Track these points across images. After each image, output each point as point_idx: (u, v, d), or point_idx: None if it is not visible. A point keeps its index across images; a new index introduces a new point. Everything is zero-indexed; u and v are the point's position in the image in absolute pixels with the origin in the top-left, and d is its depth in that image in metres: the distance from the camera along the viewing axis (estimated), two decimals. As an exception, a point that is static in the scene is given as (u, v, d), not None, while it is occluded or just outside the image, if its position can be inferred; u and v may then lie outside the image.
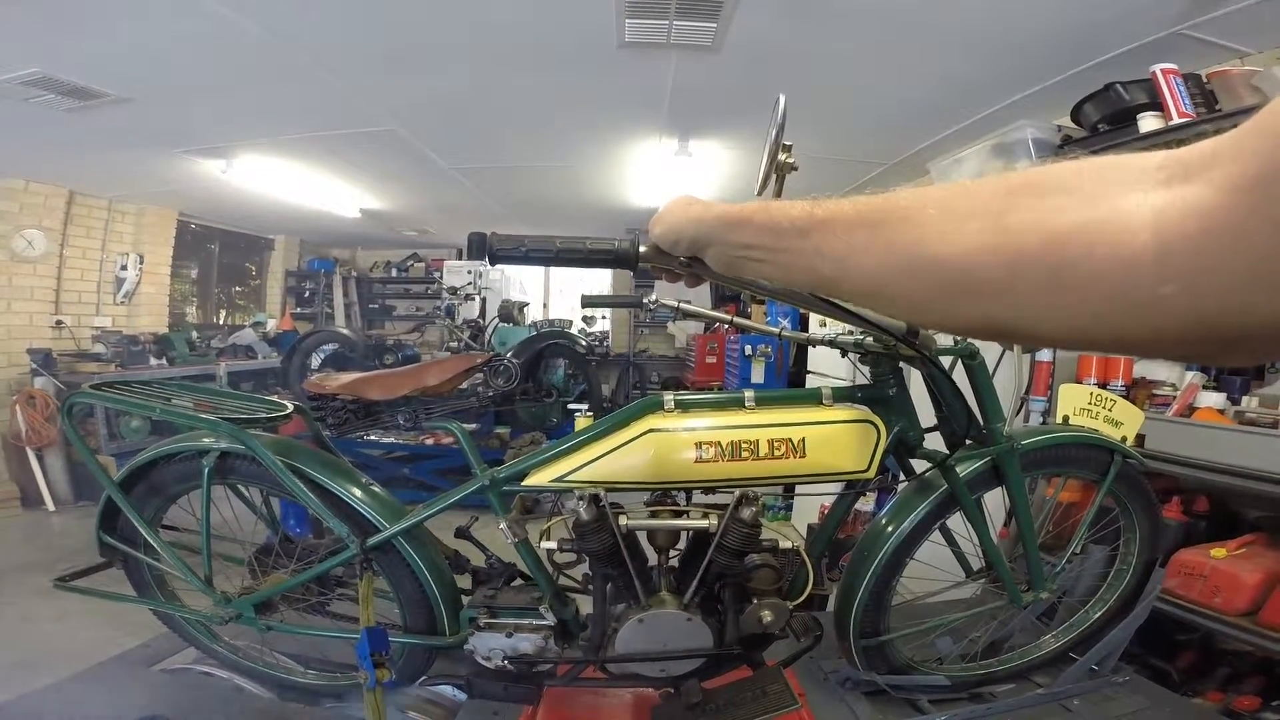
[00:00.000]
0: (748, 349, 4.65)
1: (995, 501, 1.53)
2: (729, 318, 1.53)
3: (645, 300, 1.65)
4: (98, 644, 1.85)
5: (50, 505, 4.55)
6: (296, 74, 2.89)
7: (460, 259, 7.81)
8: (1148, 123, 2.27)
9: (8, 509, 4.44)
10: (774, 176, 0.84)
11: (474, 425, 5.11)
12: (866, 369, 1.36)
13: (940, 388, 1.28)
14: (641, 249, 0.76)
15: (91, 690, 1.54)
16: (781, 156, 0.82)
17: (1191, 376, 2.11)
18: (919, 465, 1.41)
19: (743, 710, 1.28)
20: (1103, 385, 2.17)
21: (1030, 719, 1.49)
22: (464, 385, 4.71)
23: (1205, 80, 2.21)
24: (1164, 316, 0.32)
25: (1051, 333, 0.39)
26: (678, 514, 1.29)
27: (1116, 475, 1.53)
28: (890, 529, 1.42)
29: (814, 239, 0.47)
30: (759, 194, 0.84)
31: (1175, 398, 2.10)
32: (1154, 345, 0.36)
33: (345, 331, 5.87)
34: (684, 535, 1.32)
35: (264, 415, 1.41)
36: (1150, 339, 0.34)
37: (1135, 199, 0.33)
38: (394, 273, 8.98)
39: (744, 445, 1.20)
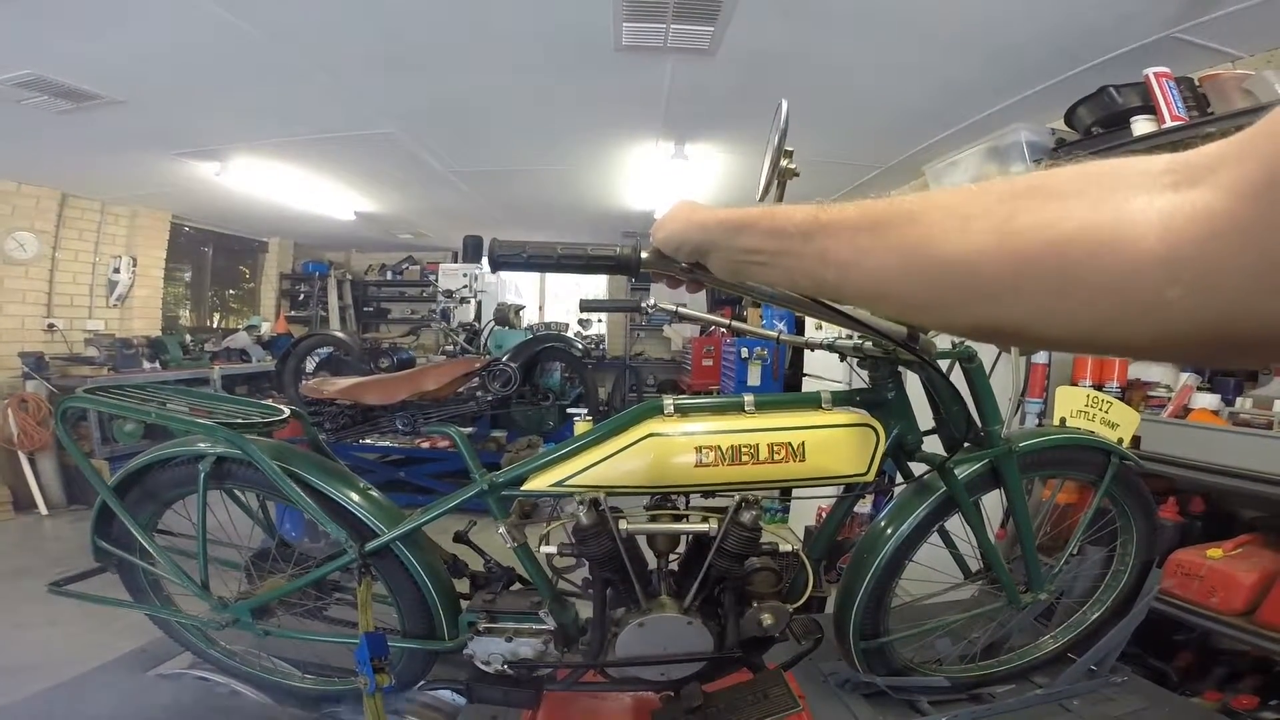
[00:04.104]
0: (744, 352, 4.66)
1: (993, 503, 1.53)
2: (726, 321, 1.53)
3: (643, 304, 1.65)
4: (93, 649, 1.83)
5: (43, 509, 4.52)
6: (292, 76, 2.88)
7: (456, 262, 7.79)
8: (1141, 126, 2.29)
9: (0, 513, 4.40)
10: (776, 182, 0.84)
11: (470, 429, 5.10)
12: (865, 373, 1.37)
13: (938, 391, 1.29)
14: (643, 254, 0.76)
15: (87, 695, 1.52)
16: (783, 162, 0.82)
17: (1186, 378, 2.12)
18: (917, 468, 1.41)
19: (743, 713, 1.28)
20: (1099, 387, 2.18)
21: (1029, 719, 1.49)
22: (461, 389, 4.71)
23: (1197, 84, 2.23)
24: (1170, 320, 0.32)
25: (1057, 335, 0.39)
26: (677, 518, 1.29)
27: (1113, 477, 1.54)
28: (889, 531, 1.43)
29: (818, 243, 0.47)
30: (761, 199, 0.84)
31: (1170, 399, 2.11)
32: (1160, 349, 0.36)
33: (340, 335, 5.84)
34: (684, 539, 1.32)
35: (260, 420, 1.40)
36: (1156, 342, 0.35)
37: (1141, 202, 0.33)
38: (389, 276, 8.96)
39: (744, 449, 1.20)
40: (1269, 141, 0.29)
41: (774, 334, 1.57)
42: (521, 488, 1.29)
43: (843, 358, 1.35)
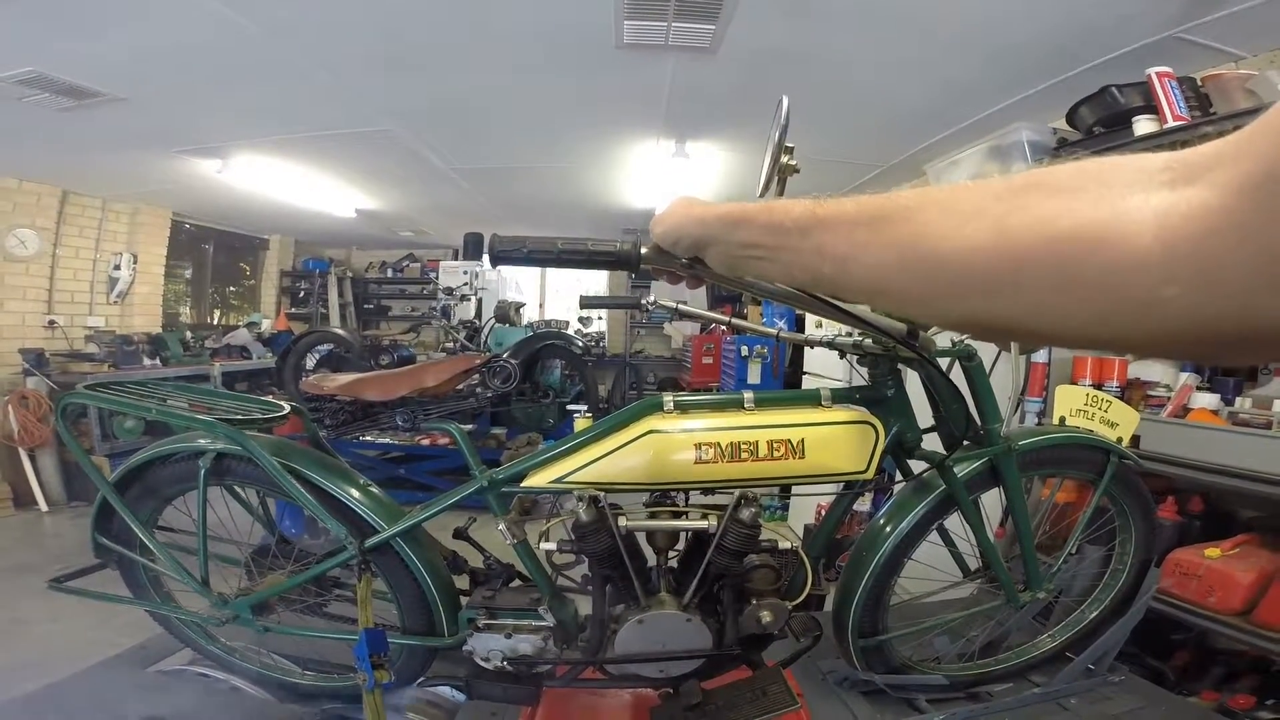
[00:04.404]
0: (744, 350, 4.65)
1: (992, 502, 1.54)
2: (726, 318, 1.53)
3: (643, 301, 1.65)
4: (93, 645, 1.84)
5: (43, 506, 4.53)
6: (294, 74, 2.88)
7: (456, 259, 7.79)
8: (1143, 126, 2.29)
9: (0, 510, 4.41)
10: (776, 179, 0.84)
11: (470, 426, 5.10)
12: (865, 370, 1.37)
13: (938, 389, 1.29)
14: (643, 250, 0.76)
15: (87, 692, 1.53)
16: (784, 159, 0.82)
17: (1185, 378, 2.12)
18: (917, 466, 1.41)
19: (742, 711, 1.28)
20: (1098, 386, 2.18)
21: (1027, 718, 1.49)
22: (461, 386, 4.71)
23: (1200, 83, 2.23)
24: (1166, 318, 0.32)
25: (1053, 331, 0.39)
26: (677, 515, 1.29)
27: (1112, 476, 1.54)
28: (888, 529, 1.43)
29: (816, 237, 0.47)
30: (761, 196, 0.84)
31: (1170, 399, 2.11)
32: (1156, 346, 0.36)
33: (340, 332, 5.84)
34: (683, 536, 1.32)
35: (260, 416, 1.40)
36: (1152, 340, 0.35)
37: (1138, 200, 0.33)
38: (389, 273, 8.95)
39: (743, 446, 1.20)
40: (1266, 139, 0.29)
41: (774, 331, 1.58)
42: (521, 484, 1.30)
43: (842, 355, 1.35)
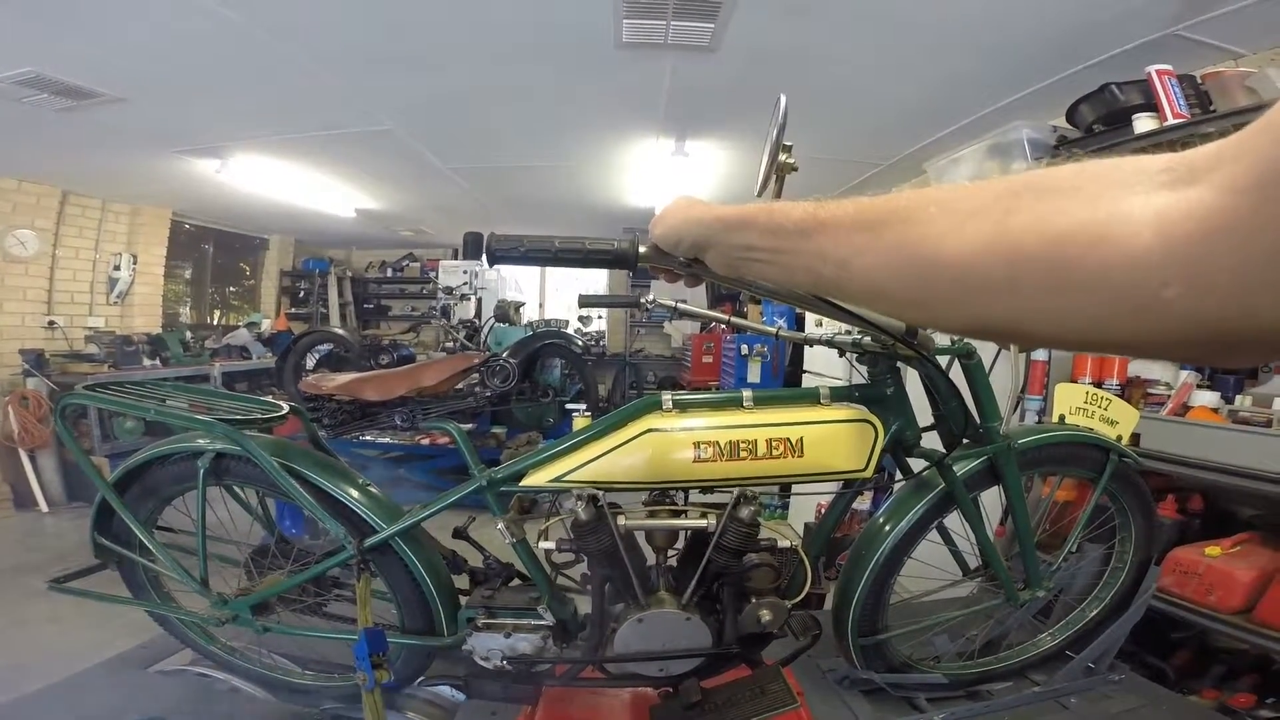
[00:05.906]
0: (744, 349, 4.66)
1: (992, 500, 1.53)
2: (726, 317, 1.53)
3: (642, 300, 1.65)
4: (93, 646, 1.84)
5: (43, 506, 4.53)
6: (293, 73, 2.88)
7: (456, 259, 7.79)
8: (1143, 123, 2.28)
9: (0, 510, 4.41)
10: (774, 177, 0.84)
11: (470, 425, 5.10)
12: (864, 368, 1.36)
13: (938, 387, 1.29)
14: (641, 249, 0.76)
15: (87, 692, 1.53)
16: (782, 157, 0.82)
17: (1185, 376, 2.12)
18: (916, 464, 1.41)
19: (741, 709, 1.28)
20: (1098, 384, 2.18)
21: (1027, 717, 1.49)
22: (460, 385, 4.71)
23: (1200, 81, 2.22)
24: (1165, 318, 0.32)
25: (1052, 333, 0.39)
26: (676, 514, 1.29)
27: (1112, 474, 1.54)
28: (888, 528, 1.43)
29: (816, 240, 0.47)
30: (759, 195, 0.84)
31: (1170, 397, 2.11)
32: (1155, 347, 0.36)
33: (340, 332, 5.84)
34: (682, 535, 1.32)
35: (259, 416, 1.40)
36: (1151, 341, 0.34)
37: (1138, 200, 0.33)
38: (389, 273, 8.96)
39: (742, 445, 1.20)
40: (1266, 139, 0.29)
41: (773, 330, 1.57)
42: (520, 483, 1.29)
43: (841, 353, 1.35)
